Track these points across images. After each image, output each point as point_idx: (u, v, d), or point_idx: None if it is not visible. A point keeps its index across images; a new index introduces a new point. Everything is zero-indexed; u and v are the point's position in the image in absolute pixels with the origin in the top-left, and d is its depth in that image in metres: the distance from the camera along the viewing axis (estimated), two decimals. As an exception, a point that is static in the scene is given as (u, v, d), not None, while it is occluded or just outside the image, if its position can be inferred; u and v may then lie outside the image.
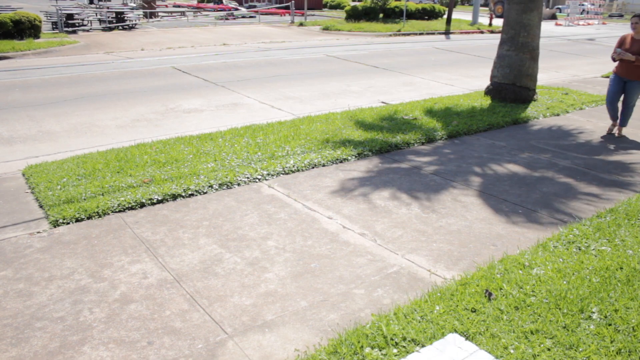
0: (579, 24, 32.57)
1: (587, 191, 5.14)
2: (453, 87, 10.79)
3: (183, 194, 4.81)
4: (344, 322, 3.05)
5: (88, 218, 4.34)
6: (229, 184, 5.07)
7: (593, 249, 3.78)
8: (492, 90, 9.02)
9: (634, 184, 5.37)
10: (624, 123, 7.16)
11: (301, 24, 25.44)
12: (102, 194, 4.68)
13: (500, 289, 3.26)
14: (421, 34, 22.68)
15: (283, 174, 5.40)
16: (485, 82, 10.07)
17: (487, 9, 40.19)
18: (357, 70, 12.53)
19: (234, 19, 30.25)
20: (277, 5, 36.34)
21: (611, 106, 7.14)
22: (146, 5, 25.93)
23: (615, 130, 7.28)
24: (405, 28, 23.19)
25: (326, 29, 23.12)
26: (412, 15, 27.90)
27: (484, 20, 29.81)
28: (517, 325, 2.91)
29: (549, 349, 2.72)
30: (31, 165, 5.50)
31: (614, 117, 7.25)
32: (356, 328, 2.90)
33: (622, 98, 7.10)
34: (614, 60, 6.89)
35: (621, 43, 6.92)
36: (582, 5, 36.66)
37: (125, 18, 22.15)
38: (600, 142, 6.87)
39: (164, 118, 7.88)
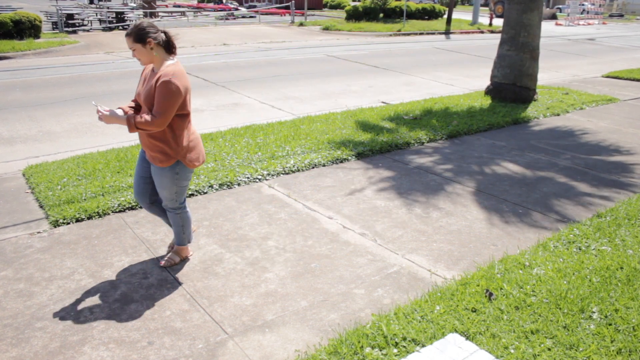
0: (579, 24, 32.57)
1: (587, 191, 5.14)
2: (453, 87, 10.79)
3: (183, 194, 4.80)
4: (344, 322, 3.05)
5: (88, 218, 4.34)
6: (229, 184, 5.07)
7: (593, 249, 3.78)
8: (493, 90, 9.02)
9: (634, 184, 5.37)
10: (179, 241, 3.64)
11: (301, 24, 25.44)
12: (103, 194, 4.68)
13: (501, 288, 3.26)
14: (421, 33, 22.67)
15: (283, 174, 5.40)
16: (486, 82, 10.07)
17: (487, 8, 40.17)
18: (358, 70, 12.53)
19: (234, 19, 30.26)
20: (277, 5, 36.33)
21: (141, 199, 3.55)
22: (146, 5, 25.91)
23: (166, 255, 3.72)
24: (405, 28, 23.19)
25: (326, 29, 23.13)
26: (412, 15, 27.90)
27: (484, 20, 29.80)
28: (518, 325, 2.91)
29: (549, 349, 2.72)
30: (31, 165, 5.50)
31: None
32: (356, 328, 2.90)
33: None
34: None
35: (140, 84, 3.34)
36: (583, 5, 36.67)
37: (126, 18, 22.14)
38: (600, 142, 6.87)
39: (164, 118, 7.87)
